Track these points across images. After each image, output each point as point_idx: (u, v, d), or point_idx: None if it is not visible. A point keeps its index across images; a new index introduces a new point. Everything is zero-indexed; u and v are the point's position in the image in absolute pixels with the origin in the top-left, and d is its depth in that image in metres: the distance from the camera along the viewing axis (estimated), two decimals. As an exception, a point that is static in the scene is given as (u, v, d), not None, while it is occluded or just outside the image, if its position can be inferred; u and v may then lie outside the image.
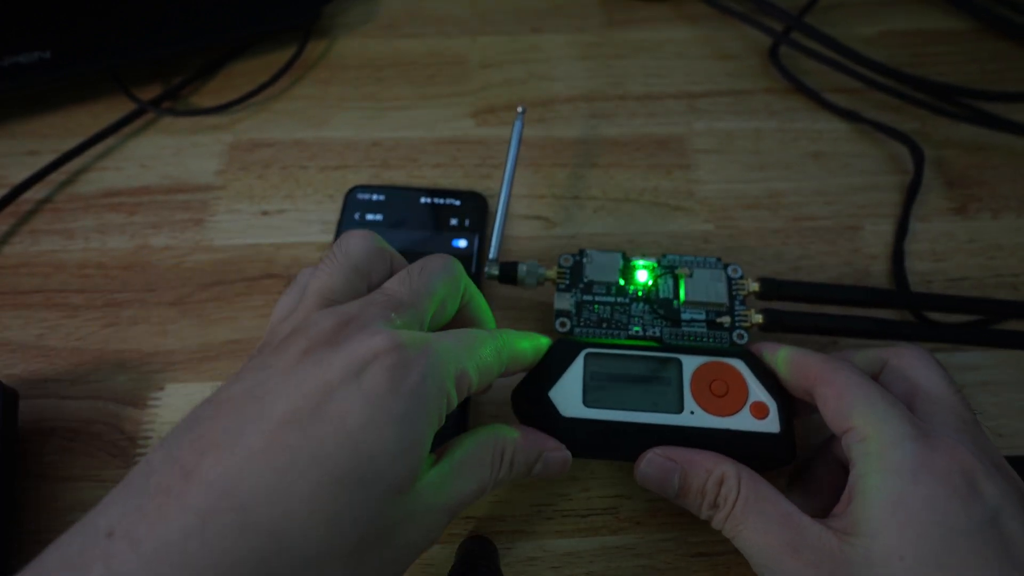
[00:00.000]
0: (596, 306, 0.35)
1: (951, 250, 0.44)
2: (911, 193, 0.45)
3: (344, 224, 0.42)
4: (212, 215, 0.44)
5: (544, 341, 0.32)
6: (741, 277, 0.36)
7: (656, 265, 0.36)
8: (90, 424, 0.36)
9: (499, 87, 0.51)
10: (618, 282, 0.36)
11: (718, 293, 0.35)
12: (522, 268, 0.36)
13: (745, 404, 0.30)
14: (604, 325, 0.35)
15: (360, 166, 0.46)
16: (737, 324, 0.35)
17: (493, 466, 0.27)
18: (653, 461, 0.29)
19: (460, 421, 0.36)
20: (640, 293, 0.36)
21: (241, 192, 0.45)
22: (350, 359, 0.23)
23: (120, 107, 0.49)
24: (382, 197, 0.43)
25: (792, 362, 0.31)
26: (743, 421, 0.30)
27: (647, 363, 0.32)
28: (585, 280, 0.36)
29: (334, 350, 0.23)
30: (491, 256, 0.37)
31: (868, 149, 0.48)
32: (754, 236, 0.44)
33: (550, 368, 0.31)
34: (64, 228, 0.43)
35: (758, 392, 0.31)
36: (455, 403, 0.25)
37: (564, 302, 0.35)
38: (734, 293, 0.36)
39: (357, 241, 0.29)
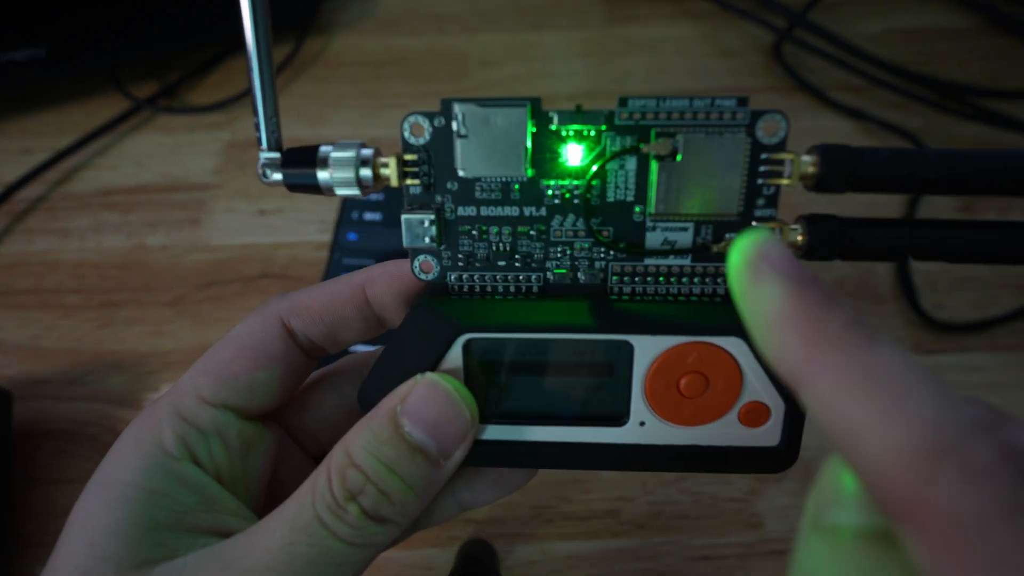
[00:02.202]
0: (483, 228, 0.19)
1: (956, 249, 0.43)
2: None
3: (342, 223, 0.42)
4: (209, 214, 0.44)
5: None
6: (781, 143, 0.18)
7: (603, 128, 0.18)
8: (85, 426, 0.36)
9: (498, 85, 0.50)
10: (525, 174, 0.18)
11: (726, 191, 0.18)
12: (327, 156, 0.19)
13: (733, 407, 0.19)
14: (500, 264, 0.19)
15: (359, 164, 0.46)
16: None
17: (315, 491, 0.18)
18: None
19: None
20: (568, 195, 0.19)
21: (238, 191, 0.45)
22: None
23: (116, 105, 0.48)
24: (381, 196, 0.42)
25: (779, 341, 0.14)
26: (724, 432, 0.19)
27: (572, 349, 0.19)
28: (460, 175, 0.18)
29: None
30: (263, 144, 0.19)
31: (872, 147, 0.48)
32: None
33: (412, 354, 0.19)
34: (59, 227, 0.43)
35: (758, 387, 0.19)
36: (205, 456, 0.21)
37: (418, 229, 0.19)
38: (760, 184, 0.18)
39: None
